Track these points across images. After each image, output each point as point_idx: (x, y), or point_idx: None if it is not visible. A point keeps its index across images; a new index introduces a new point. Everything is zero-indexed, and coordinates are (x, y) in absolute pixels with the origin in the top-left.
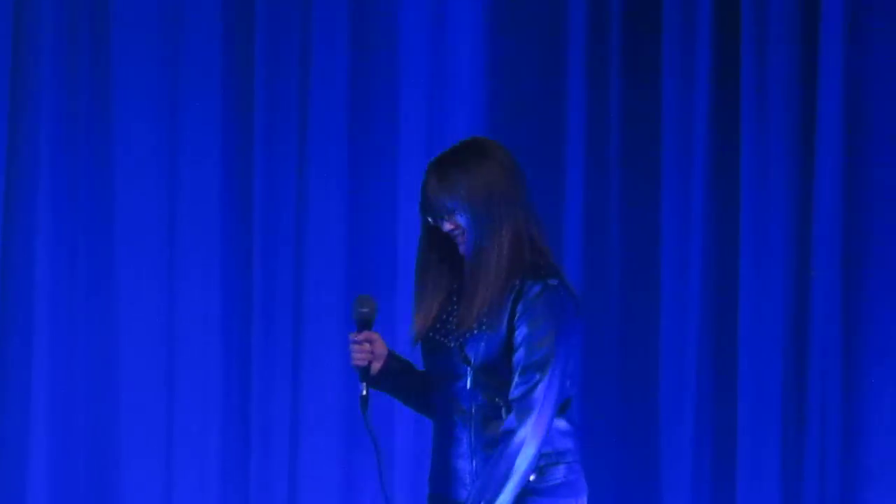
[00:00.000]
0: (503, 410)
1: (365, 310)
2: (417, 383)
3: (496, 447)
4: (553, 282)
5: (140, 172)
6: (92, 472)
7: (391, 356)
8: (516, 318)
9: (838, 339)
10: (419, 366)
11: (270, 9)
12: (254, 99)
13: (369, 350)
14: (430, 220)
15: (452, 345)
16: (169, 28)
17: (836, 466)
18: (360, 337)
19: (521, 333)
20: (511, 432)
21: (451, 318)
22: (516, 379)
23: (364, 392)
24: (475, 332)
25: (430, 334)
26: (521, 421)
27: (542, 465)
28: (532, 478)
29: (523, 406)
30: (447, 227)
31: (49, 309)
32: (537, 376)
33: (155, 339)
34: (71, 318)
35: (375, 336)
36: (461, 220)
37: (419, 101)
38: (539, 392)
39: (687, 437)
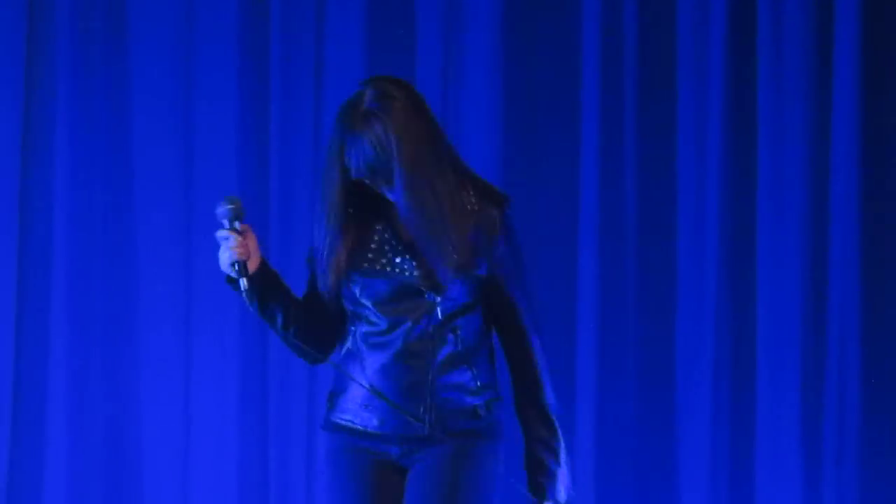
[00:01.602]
0: (459, 333)
1: (232, 206)
2: (291, 296)
3: (458, 368)
4: (505, 202)
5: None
6: (109, 470)
7: (264, 260)
8: (494, 248)
9: (856, 334)
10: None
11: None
12: (270, 98)
13: (244, 243)
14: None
15: (414, 273)
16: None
17: (853, 462)
18: (233, 231)
19: (507, 266)
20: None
21: (386, 248)
22: (521, 305)
23: (246, 286)
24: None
25: (366, 266)
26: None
27: (489, 399)
28: (480, 413)
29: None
30: (367, 174)
31: (66, 290)
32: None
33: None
34: (89, 294)
35: (247, 228)
36: (374, 174)
37: (434, 80)
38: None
39: (704, 433)
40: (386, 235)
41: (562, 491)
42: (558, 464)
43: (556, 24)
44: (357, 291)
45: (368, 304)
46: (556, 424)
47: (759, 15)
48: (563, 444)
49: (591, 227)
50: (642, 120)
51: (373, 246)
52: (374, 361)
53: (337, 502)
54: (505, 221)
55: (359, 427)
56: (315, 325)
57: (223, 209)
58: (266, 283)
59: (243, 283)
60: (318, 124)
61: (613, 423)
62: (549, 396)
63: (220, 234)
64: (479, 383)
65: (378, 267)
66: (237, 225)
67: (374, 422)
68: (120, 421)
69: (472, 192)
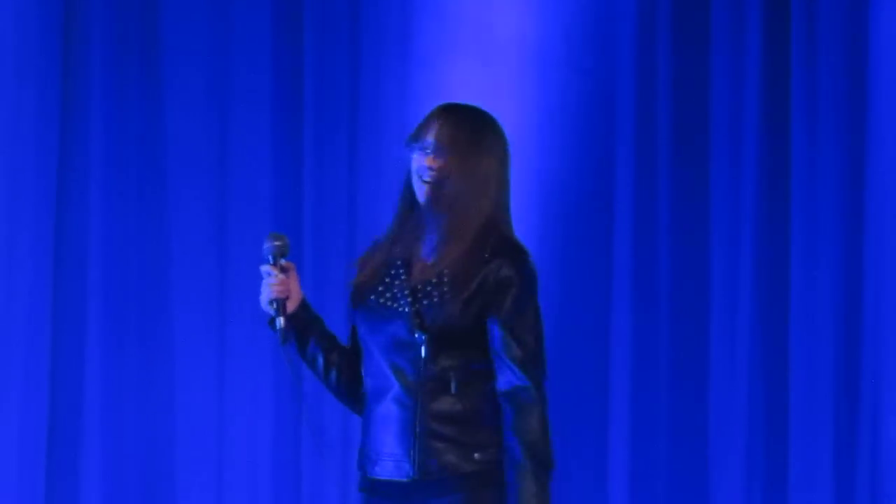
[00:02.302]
0: (453, 384)
1: (278, 242)
2: (335, 341)
3: (455, 422)
4: (523, 257)
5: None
6: (144, 471)
7: (306, 301)
8: (490, 295)
9: (892, 344)
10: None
11: None
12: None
13: (285, 281)
14: (415, 145)
15: (406, 310)
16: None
17: (890, 469)
18: (276, 268)
19: (501, 317)
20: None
21: (396, 283)
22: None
23: (283, 325)
24: (434, 297)
25: (373, 298)
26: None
27: (481, 451)
28: (469, 464)
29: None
30: (428, 161)
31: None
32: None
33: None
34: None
35: (291, 266)
36: (447, 161)
37: None
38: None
39: (739, 444)
40: (400, 272)
41: None
42: None
43: (589, 85)
44: (360, 327)
45: (367, 340)
46: (522, 474)
47: (793, 78)
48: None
49: (624, 290)
50: (676, 183)
51: (386, 280)
52: (371, 407)
53: None
54: (513, 277)
55: (368, 476)
56: (357, 373)
57: (268, 245)
58: (305, 324)
59: (279, 321)
60: (352, 149)
61: (646, 430)
62: (516, 451)
63: (264, 268)
64: (471, 438)
65: (381, 301)
66: (281, 262)
67: (376, 468)
68: (154, 435)
69: (491, 242)
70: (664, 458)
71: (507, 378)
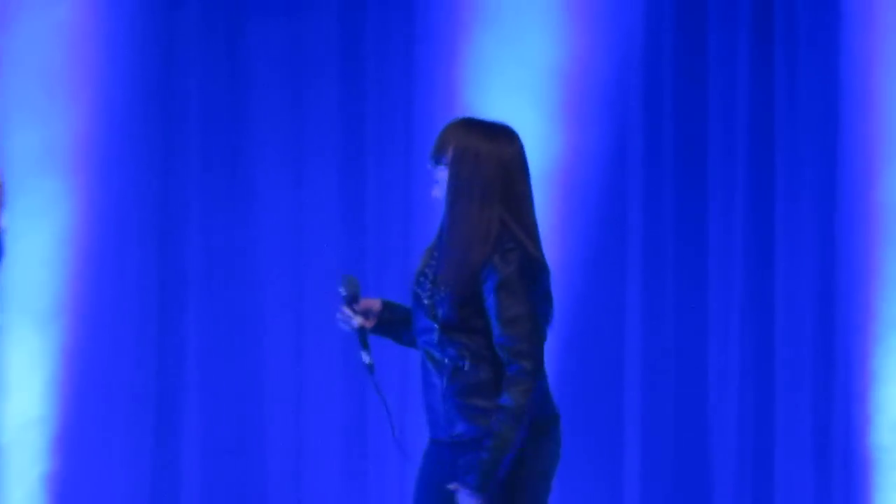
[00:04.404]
0: (467, 364)
1: (351, 289)
2: (401, 329)
3: (469, 396)
4: (509, 258)
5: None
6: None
7: (385, 307)
8: (485, 293)
9: (866, 328)
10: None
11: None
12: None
13: (353, 314)
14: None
15: (426, 301)
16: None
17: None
18: (347, 310)
19: (496, 308)
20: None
21: (428, 273)
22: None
23: (368, 360)
24: (442, 292)
25: (414, 288)
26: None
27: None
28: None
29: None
30: (435, 175)
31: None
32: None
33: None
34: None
35: (367, 303)
36: (442, 174)
37: None
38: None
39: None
40: (432, 263)
41: (475, 478)
42: (480, 457)
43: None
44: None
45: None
46: (493, 435)
47: (776, 107)
48: (493, 450)
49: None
50: (678, 188)
51: (426, 271)
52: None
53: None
54: (496, 267)
55: (429, 435)
56: None
57: (341, 293)
58: (392, 321)
59: (365, 357)
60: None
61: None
62: (497, 418)
63: (340, 315)
64: (489, 404)
65: (415, 290)
66: (355, 306)
67: (429, 428)
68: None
69: (493, 241)
70: (671, 454)
71: (505, 357)
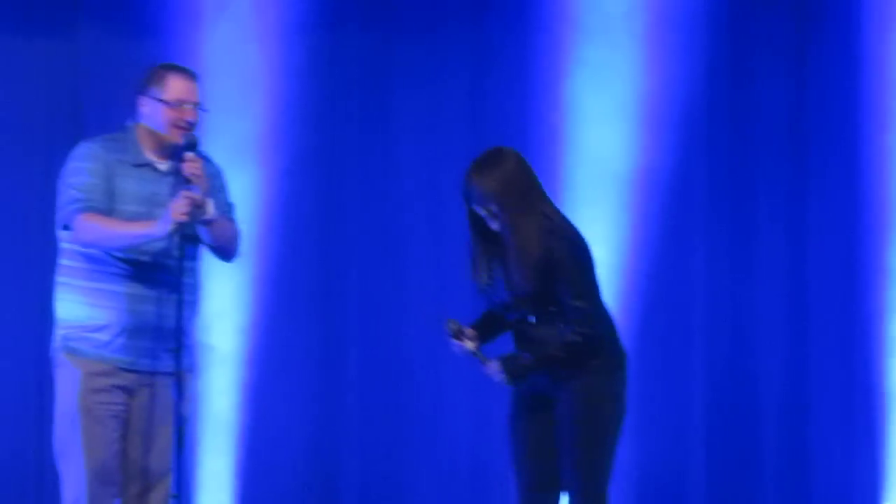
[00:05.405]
0: (550, 316)
1: (451, 332)
2: (494, 328)
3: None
4: (563, 235)
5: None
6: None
7: (475, 327)
8: (554, 271)
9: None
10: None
11: None
12: None
13: (463, 342)
14: (471, 207)
15: (506, 290)
16: None
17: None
18: (456, 342)
19: (563, 284)
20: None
21: (499, 270)
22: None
23: (489, 366)
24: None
25: (489, 286)
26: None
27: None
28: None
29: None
30: (483, 212)
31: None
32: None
33: None
34: None
35: (471, 333)
36: (493, 206)
37: None
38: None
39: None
40: (498, 262)
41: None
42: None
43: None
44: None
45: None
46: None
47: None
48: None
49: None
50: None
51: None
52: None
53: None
54: (548, 255)
55: None
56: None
57: (448, 333)
58: (486, 336)
59: (486, 367)
60: None
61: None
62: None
63: (455, 348)
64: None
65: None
66: (462, 337)
67: None
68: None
69: (542, 231)
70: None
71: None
